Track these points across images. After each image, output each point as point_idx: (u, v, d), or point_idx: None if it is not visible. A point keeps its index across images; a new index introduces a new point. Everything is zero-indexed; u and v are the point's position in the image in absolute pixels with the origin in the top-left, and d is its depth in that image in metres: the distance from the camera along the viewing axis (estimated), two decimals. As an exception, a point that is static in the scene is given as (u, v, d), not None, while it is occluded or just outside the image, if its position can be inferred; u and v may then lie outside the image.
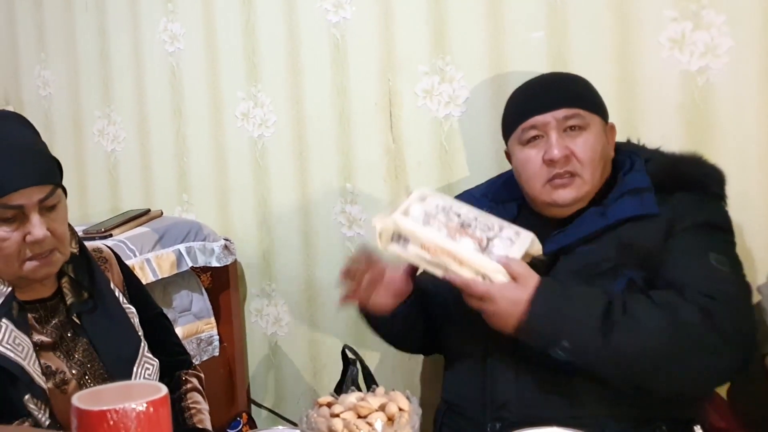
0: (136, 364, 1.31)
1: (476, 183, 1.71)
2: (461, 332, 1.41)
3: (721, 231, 1.33)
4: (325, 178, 2.07)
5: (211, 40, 2.22)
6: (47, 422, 1.16)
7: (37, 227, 1.15)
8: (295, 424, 2.16)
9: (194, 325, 2.04)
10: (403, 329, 1.51)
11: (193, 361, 1.99)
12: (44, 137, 2.55)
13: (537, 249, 1.28)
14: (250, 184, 2.19)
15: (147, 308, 1.46)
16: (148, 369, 1.33)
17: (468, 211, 1.29)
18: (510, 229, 1.26)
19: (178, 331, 2.00)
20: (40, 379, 1.17)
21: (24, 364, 1.15)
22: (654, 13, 1.64)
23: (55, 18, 2.52)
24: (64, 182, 2.47)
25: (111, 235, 1.97)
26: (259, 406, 2.24)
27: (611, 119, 1.46)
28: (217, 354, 2.11)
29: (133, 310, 1.38)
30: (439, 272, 1.24)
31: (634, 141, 1.52)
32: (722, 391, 1.54)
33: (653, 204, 1.30)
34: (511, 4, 1.78)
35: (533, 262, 1.26)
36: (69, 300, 1.28)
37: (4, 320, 1.16)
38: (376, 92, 1.98)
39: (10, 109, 2.63)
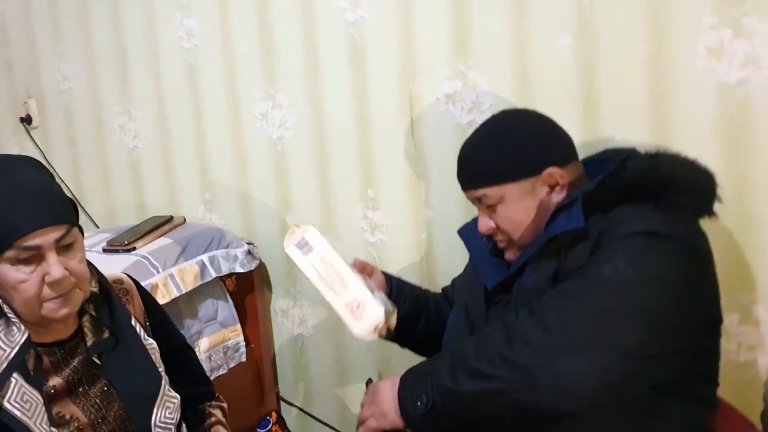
0: (157, 404, 1.31)
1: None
2: None
3: (656, 237, 1.19)
4: (346, 183, 2.03)
5: (228, 37, 2.16)
6: None
7: (55, 267, 1.15)
8: (325, 424, 2.19)
9: (220, 334, 2.05)
10: (427, 340, 1.57)
11: (221, 369, 2.03)
12: (67, 131, 2.59)
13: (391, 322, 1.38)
14: (271, 185, 2.16)
15: (169, 339, 1.46)
16: (168, 407, 1.33)
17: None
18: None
19: (204, 341, 2.02)
20: None
21: (30, 423, 1.16)
22: (691, 20, 1.52)
23: (70, 10, 2.48)
24: (89, 178, 2.53)
25: (134, 248, 1.97)
26: (289, 404, 2.27)
27: (641, 129, 1.44)
28: (244, 360, 2.13)
29: (154, 345, 1.38)
30: (322, 288, 1.38)
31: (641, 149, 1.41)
32: (755, 414, 1.50)
33: (579, 217, 1.24)
34: (538, 7, 1.68)
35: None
36: (89, 340, 1.28)
37: (15, 375, 1.17)
38: (397, 96, 1.91)
39: (32, 103, 2.64)
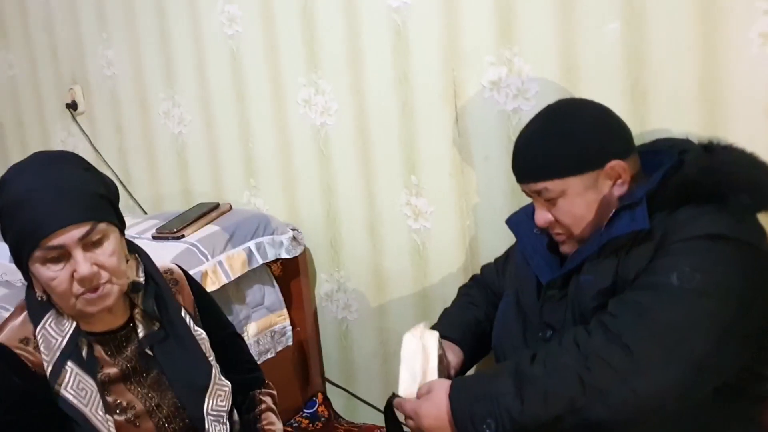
0: (208, 393, 1.34)
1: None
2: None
3: (722, 240, 1.18)
4: (389, 170, 2.04)
5: (270, 24, 2.16)
6: None
7: (82, 264, 1.16)
8: (370, 404, 2.23)
9: (268, 318, 2.09)
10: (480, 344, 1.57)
11: (269, 353, 2.07)
12: (112, 117, 2.63)
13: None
14: (315, 171, 2.18)
15: (219, 328, 1.49)
16: (220, 395, 1.36)
17: None
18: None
19: (252, 326, 2.06)
20: (102, 425, 1.22)
21: (86, 411, 1.20)
22: (744, 4, 1.49)
23: (113, -4, 2.50)
24: (136, 163, 2.57)
25: (183, 236, 2.00)
26: (335, 385, 2.31)
27: (690, 120, 1.41)
28: (291, 344, 2.17)
29: (204, 335, 1.40)
30: (405, 361, 1.38)
31: (695, 140, 1.39)
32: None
33: (644, 218, 1.22)
34: (584, -8, 1.65)
35: None
36: (141, 332, 1.31)
37: (69, 363, 1.20)
38: (440, 82, 1.90)
39: (78, 89, 2.67)
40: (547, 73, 1.74)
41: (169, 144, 2.49)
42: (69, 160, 1.27)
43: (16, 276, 1.92)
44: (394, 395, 1.40)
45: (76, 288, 1.18)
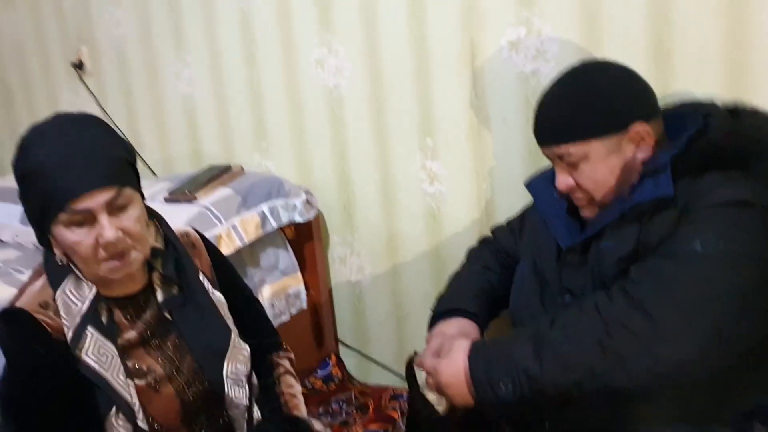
0: (227, 357, 1.34)
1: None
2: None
3: (745, 207, 1.16)
4: (404, 132, 2.01)
5: (281, -18, 2.12)
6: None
7: (107, 229, 1.16)
8: (383, 366, 2.24)
9: (282, 282, 2.09)
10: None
11: (283, 316, 2.08)
12: (120, 78, 2.59)
13: None
14: (328, 134, 2.15)
15: (237, 292, 1.48)
16: (239, 359, 1.36)
17: None
18: None
19: (267, 290, 2.06)
20: (123, 389, 1.22)
21: (107, 375, 1.20)
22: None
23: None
24: (145, 125, 2.54)
25: (195, 198, 1.99)
26: (348, 347, 2.32)
27: (716, 82, 1.38)
28: (305, 307, 2.17)
29: (222, 299, 1.40)
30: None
31: (720, 104, 1.36)
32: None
33: (668, 185, 1.20)
34: (607, -51, 1.61)
35: None
36: (160, 296, 1.31)
37: (89, 328, 1.20)
38: (457, 43, 1.86)
39: (85, 49, 2.63)
40: (568, 33, 1.70)
41: (178, 105, 2.46)
42: (92, 122, 1.26)
43: (29, 238, 1.92)
44: (416, 353, 1.41)
45: (101, 253, 1.18)
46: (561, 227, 1.38)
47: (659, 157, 1.25)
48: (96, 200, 1.15)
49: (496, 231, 1.67)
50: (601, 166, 1.27)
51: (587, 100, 1.28)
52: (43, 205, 1.16)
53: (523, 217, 1.61)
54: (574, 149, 1.27)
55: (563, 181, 1.32)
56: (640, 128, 1.26)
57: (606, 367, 1.15)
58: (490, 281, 1.56)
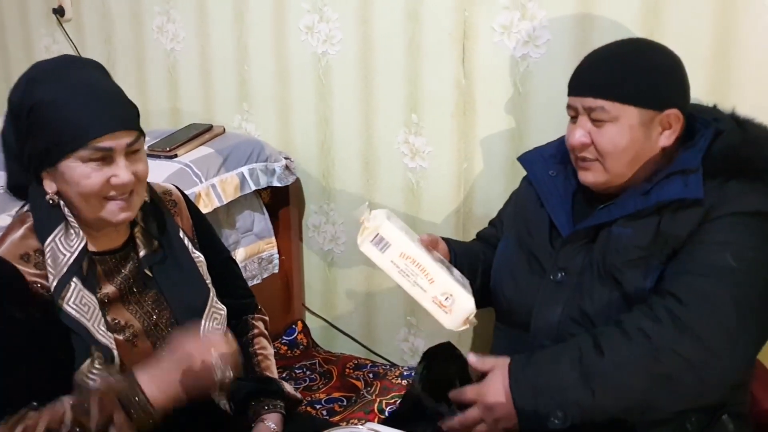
0: (205, 315, 1.35)
1: (546, 132, 1.68)
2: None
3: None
4: (389, 106, 2.02)
5: (276, -57, 2.09)
6: None
7: (123, 170, 1.19)
8: (348, 336, 2.27)
9: (256, 245, 2.09)
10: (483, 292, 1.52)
11: (255, 279, 2.08)
12: (101, 27, 2.54)
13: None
14: (312, 101, 2.15)
15: (215, 253, 1.49)
16: (216, 318, 1.37)
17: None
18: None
19: (241, 252, 2.06)
20: (105, 339, 1.22)
21: (89, 325, 1.20)
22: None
23: None
24: (125, 77, 2.49)
25: (176, 155, 1.97)
26: (315, 315, 2.34)
27: (702, 80, 1.39)
28: (277, 271, 2.18)
29: (202, 258, 1.41)
30: (404, 284, 1.27)
31: (722, 110, 1.40)
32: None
33: (699, 187, 1.22)
34: (607, -60, 1.63)
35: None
36: (141, 252, 1.31)
37: (74, 279, 1.20)
38: (451, 21, 1.87)
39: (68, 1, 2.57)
40: (562, 21, 1.73)
41: (160, 60, 2.42)
42: (101, 68, 1.27)
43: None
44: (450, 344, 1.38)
45: (108, 191, 1.19)
46: (557, 205, 1.38)
47: (688, 156, 1.27)
48: (119, 141, 1.17)
49: (481, 232, 1.68)
50: (626, 132, 1.27)
51: (642, 68, 1.29)
52: (58, 139, 1.16)
53: (507, 201, 1.62)
54: (611, 107, 1.27)
55: (579, 135, 1.31)
56: (673, 114, 1.29)
57: (657, 392, 1.18)
58: (477, 252, 1.57)
